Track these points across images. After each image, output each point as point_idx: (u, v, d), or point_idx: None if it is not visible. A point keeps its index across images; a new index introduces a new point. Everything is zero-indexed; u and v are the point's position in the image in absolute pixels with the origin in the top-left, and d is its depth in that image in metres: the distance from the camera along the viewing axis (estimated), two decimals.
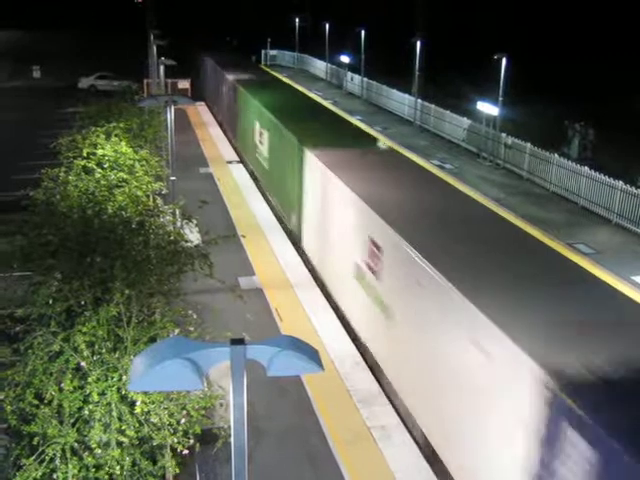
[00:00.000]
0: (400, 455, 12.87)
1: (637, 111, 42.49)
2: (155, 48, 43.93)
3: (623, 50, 60.44)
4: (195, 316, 10.98)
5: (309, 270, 20.86)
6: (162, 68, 34.74)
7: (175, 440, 9.64)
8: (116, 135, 20.69)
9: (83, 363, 9.62)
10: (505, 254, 13.36)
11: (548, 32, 70.39)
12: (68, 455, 9.11)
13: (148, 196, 17.61)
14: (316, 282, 20.04)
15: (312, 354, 5.87)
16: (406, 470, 12.49)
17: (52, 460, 9.03)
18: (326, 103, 44.30)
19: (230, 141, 38.24)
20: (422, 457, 12.83)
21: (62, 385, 9.41)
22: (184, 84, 51.30)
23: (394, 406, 14.35)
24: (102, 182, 16.54)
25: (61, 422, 9.30)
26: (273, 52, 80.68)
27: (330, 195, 18.63)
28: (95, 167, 17.82)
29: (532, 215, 26.51)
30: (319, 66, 71.21)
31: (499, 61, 35.75)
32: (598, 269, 20.81)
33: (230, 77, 39.23)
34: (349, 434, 13.47)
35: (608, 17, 67.29)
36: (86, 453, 9.30)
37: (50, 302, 10.49)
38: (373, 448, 13.07)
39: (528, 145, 32.72)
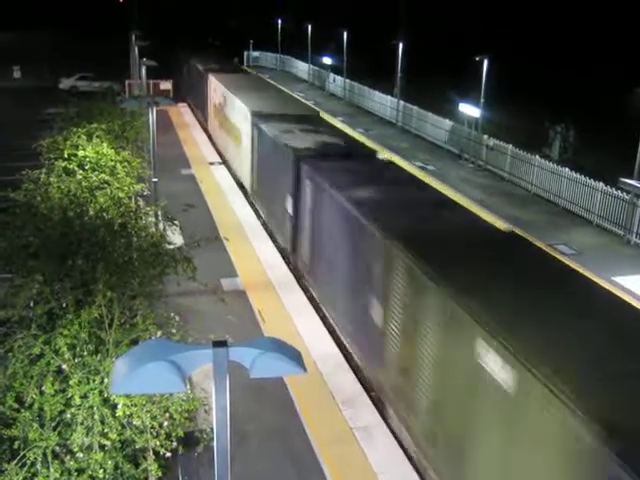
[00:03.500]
0: (383, 455, 12.90)
1: (617, 113, 42.89)
2: (137, 49, 43.72)
3: (604, 55, 61.02)
4: (177, 318, 10.95)
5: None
6: (144, 69, 34.56)
7: (157, 443, 9.61)
8: (97, 136, 20.57)
9: (64, 366, 9.56)
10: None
11: (531, 35, 70.93)
12: (50, 459, 9.04)
13: (130, 198, 17.53)
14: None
15: (295, 356, 5.87)
16: (389, 470, 12.52)
17: (33, 464, 8.96)
18: (308, 104, 44.32)
19: (211, 141, 38.11)
20: (404, 457, 12.87)
21: (43, 388, 9.34)
22: (166, 85, 51.12)
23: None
24: (83, 183, 16.44)
25: (42, 426, 9.23)
26: (255, 53, 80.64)
27: None
28: (76, 168, 17.72)
29: (513, 216, 26.67)
30: (301, 67, 71.24)
31: (481, 63, 35.93)
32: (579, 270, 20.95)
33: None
34: (332, 435, 13.48)
35: (590, 24, 67.89)
36: (68, 457, 9.24)
37: (31, 304, 10.42)
38: (356, 448, 13.09)
39: (510, 147, 32.91)
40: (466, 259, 12.34)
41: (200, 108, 43.56)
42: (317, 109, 35.29)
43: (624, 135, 30.74)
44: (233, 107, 30.83)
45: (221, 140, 35.02)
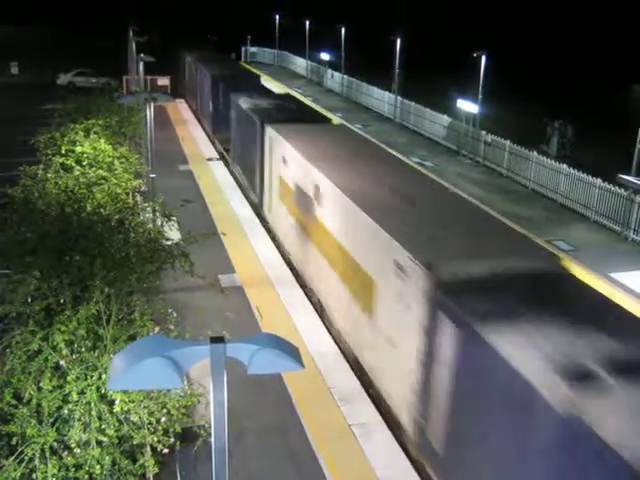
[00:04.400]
0: (381, 452, 12.91)
1: (614, 110, 42.90)
2: (134, 45, 43.64)
3: (602, 52, 61.04)
4: (175, 314, 10.95)
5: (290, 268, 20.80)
6: (141, 65, 34.50)
7: (155, 439, 9.61)
8: (95, 132, 20.56)
9: (62, 362, 9.56)
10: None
11: (529, 33, 70.92)
12: (47, 455, 9.05)
13: (127, 194, 17.52)
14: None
15: (293, 352, 5.87)
16: (387, 467, 12.53)
17: (31, 460, 8.96)
18: (306, 100, 44.25)
19: (210, 138, 37.73)
20: (403, 454, 12.88)
21: (41, 384, 9.34)
22: (164, 81, 51.03)
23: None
24: (81, 179, 16.43)
25: (40, 422, 9.23)
26: (253, 49, 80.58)
27: None
28: (74, 164, 17.72)
29: (511, 212, 26.67)
30: (299, 63, 71.17)
31: (479, 59, 35.90)
32: (576, 265, 20.99)
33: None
34: (330, 432, 13.49)
35: (588, 21, 67.92)
36: (65, 453, 9.24)
37: (29, 300, 10.41)
38: (354, 445, 13.10)
39: (507, 143, 32.91)
40: None
41: (244, 167, 27.80)
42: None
43: (622, 132, 30.78)
44: (349, 226, 15.74)
45: (300, 254, 20.04)
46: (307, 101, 41.87)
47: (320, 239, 17.81)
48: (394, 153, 25.88)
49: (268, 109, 25.83)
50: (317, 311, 17.84)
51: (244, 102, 27.41)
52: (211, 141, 35.18)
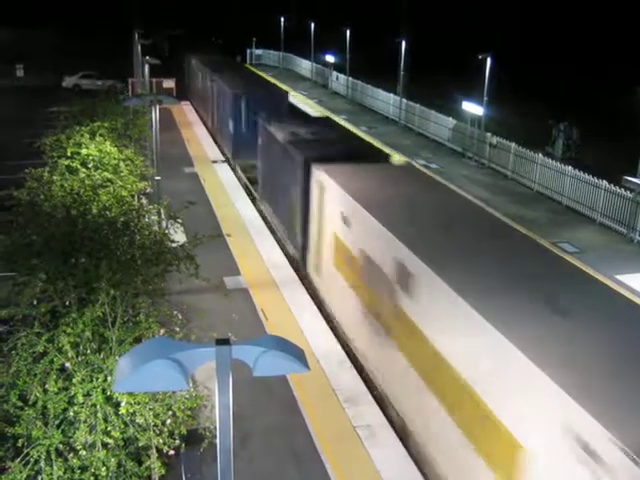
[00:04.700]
0: (385, 454, 12.89)
1: (619, 112, 42.82)
2: (140, 47, 43.69)
3: (606, 54, 60.98)
4: (180, 316, 10.96)
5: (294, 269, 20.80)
6: (147, 67, 34.54)
7: (161, 441, 9.62)
8: (101, 134, 20.63)
9: (68, 364, 9.57)
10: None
11: (532, 34, 70.86)
12: (53, 457, 9.05)
13: (133, 196, 17.56)
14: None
15: (298, 354, 5.87)
16: (391, 469, 12.52)
17: (37, 462, 8.97)
18: (311, 102, 44.22)
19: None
20: (407, 456, 12.85)
21: (47, 386, 9.35)
22: (169, 83, 51.09)
23: None
24: (87, 182, 16.48)
25: (46, 424, 9.24)
26: (258, 51, 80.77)
27: None
28: (79, 167, 17.76)
29: (517, 214, 26.63)
30: (304, 65, 71.22)
31: (484, 61, 35.88)
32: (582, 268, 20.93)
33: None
34: (335, 433, 13.48)
35: (591, 22, 67.87)
36: (71, 454, 9.25)
37: (34, 303, 10.44)
38: (359, 447, 13.08)
39: (513, 145, 32.87)
40: None
41: (278, 210, 23.14)
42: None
43: (627, 134, 30.70)
44: (470, 347, 10.42)
45: (370, 351, 14.98)
46: (314, 104, 41.68)
47: (409, 344, 12.40)
48: (508, 222, 20.04)
49: (309, 140, 21.16)
50: (398, 435, 13.37)
51: (277, 129, 22.45)
52: (231, 167, 32.00)
